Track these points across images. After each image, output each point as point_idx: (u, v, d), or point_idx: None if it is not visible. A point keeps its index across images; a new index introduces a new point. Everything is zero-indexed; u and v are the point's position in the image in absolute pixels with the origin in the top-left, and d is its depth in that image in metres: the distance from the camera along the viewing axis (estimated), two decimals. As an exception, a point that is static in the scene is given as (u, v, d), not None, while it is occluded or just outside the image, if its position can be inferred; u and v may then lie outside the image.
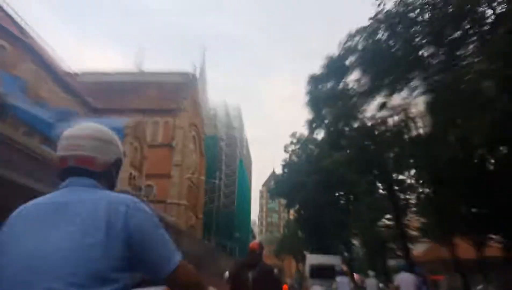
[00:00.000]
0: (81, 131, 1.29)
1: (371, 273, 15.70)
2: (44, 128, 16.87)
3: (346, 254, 41.90)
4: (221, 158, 44.36)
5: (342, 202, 37.48)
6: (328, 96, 18.35)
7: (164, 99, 33.79)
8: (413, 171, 20.97)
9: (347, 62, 18.33)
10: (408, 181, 22.05)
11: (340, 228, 35.25)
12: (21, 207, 1.21)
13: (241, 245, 45.79)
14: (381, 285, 21.17)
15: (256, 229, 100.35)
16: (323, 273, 16.12)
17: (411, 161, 19.07)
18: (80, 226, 1.11)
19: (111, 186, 1.34)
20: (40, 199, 1.22)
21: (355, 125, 19.26)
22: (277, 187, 41.39)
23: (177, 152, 31.15)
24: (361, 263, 47.01)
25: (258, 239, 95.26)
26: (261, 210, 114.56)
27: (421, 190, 21.20)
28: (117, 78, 37.32)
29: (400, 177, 22.07)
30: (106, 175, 1.31)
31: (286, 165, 40.13)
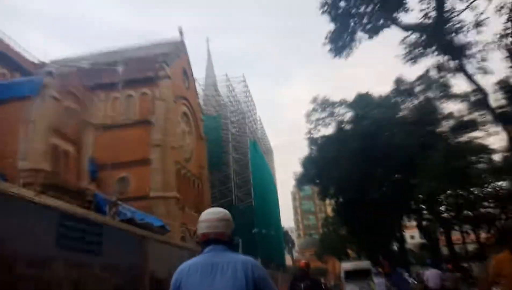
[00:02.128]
0: (215, 215, 2.19)
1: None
2: None
3: (396, 247, 32.73)
4: (227, 142, 35.86)
5: (391, 174, 28.00)
6: None
7: (142, 70, 26.21)
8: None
9: None
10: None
11: (389, 210, 26.49)
12: (186, 265, 2.08)
13: (271, 242, 37.22)
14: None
15: (294, 235, 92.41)
16: (356, 275, 18.14)
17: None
18: (230, 278, 1.94)
19: (231, 247, 2.17)
20: (198, 259, 2.08)
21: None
22: (305, 171, 32.06)
23: (156, 130, 23.10)
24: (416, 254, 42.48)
25: (296, 243, 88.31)
26: (295, 213, 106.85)
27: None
28: (92, 60, 31.25)
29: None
30: (230, 241, 2.16)
31: (312, 140, 31.06)
